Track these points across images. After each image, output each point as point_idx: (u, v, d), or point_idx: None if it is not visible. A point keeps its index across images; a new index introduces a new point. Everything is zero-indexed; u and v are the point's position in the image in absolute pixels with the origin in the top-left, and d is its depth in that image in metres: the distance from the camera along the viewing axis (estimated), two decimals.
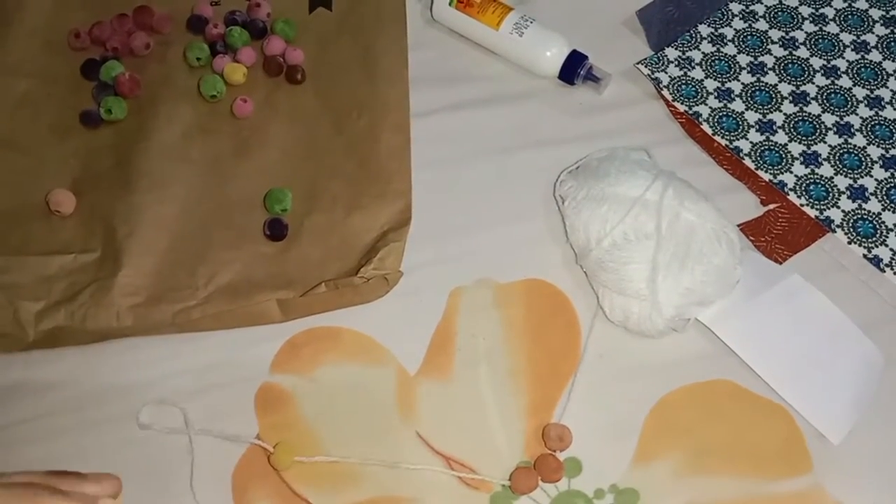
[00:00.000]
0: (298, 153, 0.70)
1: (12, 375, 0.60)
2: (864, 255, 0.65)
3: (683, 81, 0.74)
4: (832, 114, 0.72)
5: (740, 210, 0.67)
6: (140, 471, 0.57)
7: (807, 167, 0.70)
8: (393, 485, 0.57)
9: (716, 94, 0.74)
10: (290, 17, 0.77)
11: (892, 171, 0.69)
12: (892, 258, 0.65)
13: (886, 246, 0.66)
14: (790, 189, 0.69)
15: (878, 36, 0.77)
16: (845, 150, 0.71)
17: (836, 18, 0.78)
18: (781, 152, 0.70)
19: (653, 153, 0.69)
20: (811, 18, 0.78)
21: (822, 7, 0.79)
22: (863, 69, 0.75)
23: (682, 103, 0.73)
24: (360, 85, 0.73)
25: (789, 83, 0.74)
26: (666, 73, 0.75)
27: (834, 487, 0.56)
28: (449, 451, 0.58)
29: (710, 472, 0.57)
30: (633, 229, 0.60)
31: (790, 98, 0.73)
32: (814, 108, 0.73)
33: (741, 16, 0.79)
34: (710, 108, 0.73)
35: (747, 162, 0.70)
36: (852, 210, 0.67)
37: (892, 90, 0.74)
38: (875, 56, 0.76)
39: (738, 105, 0.73)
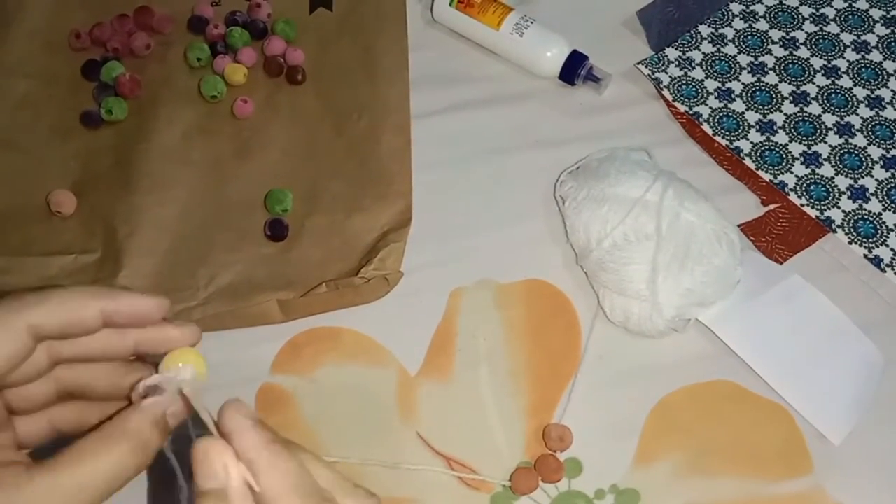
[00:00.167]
0: (299, 154, 0.70)
1: None
2: (865, 256, 0.65)
3: (684, 82, 0.74)
4: (833, 114, 0.72)
5: (741, 210, 0.67)
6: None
7: (807, 167, 0.70)
8: (393, 485, 0.57)
9: (716, 94, 0.74)
10: (290, 17, 0.77)
11: (892, 171, 0.69)
12: (892, 258, 0.65)
13: (887, 246, 0.66)
14: (791, 189, 0.69)
15: (878, 36, 0.77)
16: (846, 150, 0.71)
17: (837, 18, 0.78)
18: (782, 152, 0.70)
19: (653, 153, 0.69)
20: (812, 18, 0.78)
21: (823, 7, 0.79)
22: (863, 69, 0.75)
23: (682, 103, 0.73)
24: (361, 85, 0.73)
25: (790, 83, 0.74)
26: (666, 73, 0.75)
27: (834, 488, 0.56)
28: (449, 451, 0.58)
29: (711, 472, 0.57)
30: (633, 230, 0.60)
31: (791, 98, 0.73)
32: (814, 109, 0.73)
33: (741, 16, 0.79)
34: (711, 108, 0.73)
35: (748, 162, 0.70)
36: (853, 210, 0.67)
37: (892, 90, 0.74)
38: (876, 56, 0.76)
39: (738, 105, 0.73)
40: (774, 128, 0.72)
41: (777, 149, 0.71)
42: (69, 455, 0.35)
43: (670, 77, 0.75)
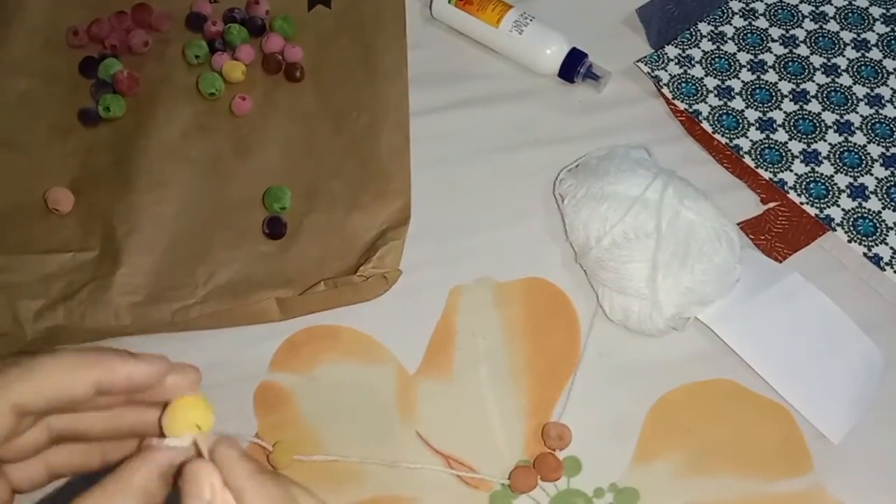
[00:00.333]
0: (297, 151, 0.70)
1: None
2: (865, 254, 0.65)
3: (683, 79, 0.74)
4: (832, 112, 0.72)
5: (740, 208, 0.67)
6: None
7: (807, 165, 0.70)
8: (392, 484, 0.57)
9: (716, 91, 0.74)
10: (289, 14, 0.77)
11: (892, 169, 0.69)
12: (892, 257, 0.65)
13: (887, 244, 0.66)
14: (790, 187, 0.68)
15: (878, 34, 0.77)
16: (845, 148, 0.70)
17: (837, 16, 0.78)
18: (781, 150, 0.70)
19: (653, 151, 0.69)
20: (811, 16, 0.78)
21: (823, 5, 0.79)
22: (863, 67, 0.75)
23: (681, 101, 0.73)
24: (360, 83, 0.73)
25: (789, 81, 0.74)
26: (666, 70, 0.75)
27: (834, 487, 0.56)
28: (448, 450, 0.58)
29: (710, 471, 0.57)
30: (632, 228, 0.60)
31: (790, 96, 0.73)
32: (814, 106, 0.73)
33: (741, 13, 0.78)
34: (710, 106, 0.73)
35: (747, 160, 0.70)
36: (852, 208, 0.67)
37: (892, 88, 0.74)
38: (875, 54, 0.76)
39: (738, 103, 0.73)
40: (774, 126, 0.72)
41: (777, 147, 0.71)
42: None
43: (670, 75, 0.74)
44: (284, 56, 0.74)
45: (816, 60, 0.75)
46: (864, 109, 0.72)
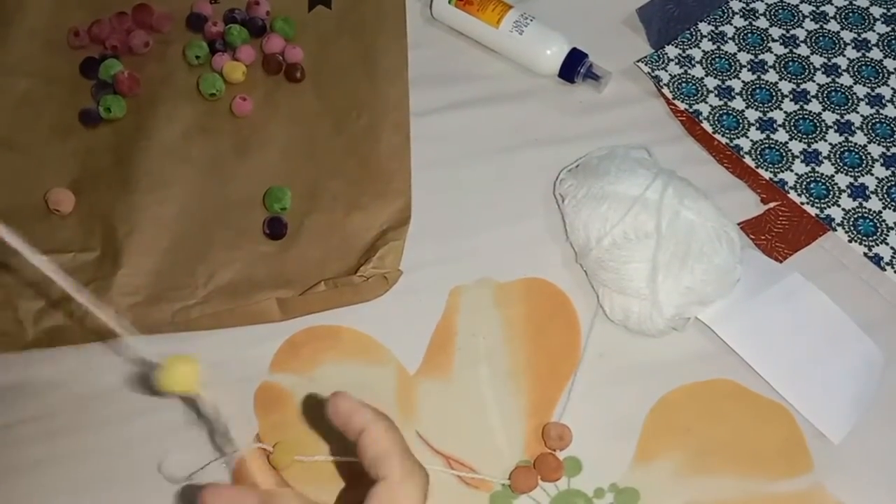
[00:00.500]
0: (298, 152, 0.70)
1: (11, 375, 0.60)
2: (865, 254, 0.65)
3: (683, 79, 0.74)
4: (833, 112, 0.72)
5: (740, 208, 0.67)
6: (141, 471, 0.57)
7: (807, 165, 0.69)
8: None
9: (716, 92, 0.73)
10: (289, 15, 0.77)
11: (892, 169, 0.69)
12: (892, 257, 0.65)
13: (887, 244, 0.66)
14: (791, 187, 0.68)
15: (878, 34, 0.77)
16: (846, 148, 0.70)
17: (837, 16, 0.78)
18: (782, 150, 0.70)
19: (653, 151, 0.69)
20: (812, 16, 0.78)
21: (823, 5, 0.79)
22: (863, 67, 0.75)
23: (682, 101, 0.73)
24: (360, 83, 0.73)
25: (790, 81, 0.74)
26: (666, 71, 0.75)
27: (834, 487, 0.56)
28: (449, 450, 0.58)
29: (711, 471, 0.57)
30: (633, 228, 0.60)
31: (791, 96, 0.73)
32: (814, 106, 0.73)
33: (742, 13, 0.78)
34: (711, 106, 0.73)
35: (747, 160, 0.70)
36: (853, 208, 0.67)
37: (892, 88, 0.74)
38: (876, 54, 0.76)
39: (738, 103, 0.73)
40: (774, 126, 0.72)
41: (777, 147, 0.71)
42: None
43: (670, 75, 0.74)
44: (285, 57, 0.74)
45: (817, 60, 0.75)
46: (864, 109, 0.72)
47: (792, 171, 0.69)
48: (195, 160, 0.69)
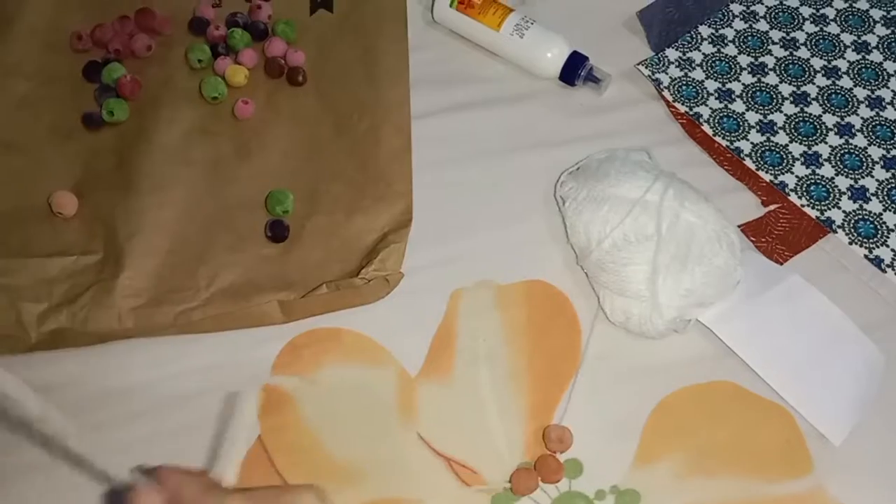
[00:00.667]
0: (299, 155, 0.70)
1: (14, 377, 0.60)
2: (866, 256, 0.65)
3: (684, 82, 0.74)
4: (833, 114, 0.72)
5: (741, 211, 0.67)
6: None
7: (808, 168, 0.70)
8: (394, 486, 0.57)
9: (716, 94, 0.74)
10: (291, 18, 0.77)
11: (893, 171, 0.69)
12: (893, 259, 0.65)
13: (887, 246, 0.66)
14: (791, 190, 0.69)
15: (878, 36, 0.77)
16: (846, 150, 0.71)
17: (837, 19, 0.78)
18: (782, 153, 0.70)
19: (653, 154, 0.69)
20: (812, 19, 0.78)
21: (823, 7, 0.79)
22: (864, 70, 0.75)
23: (682, 104, 0.73)
24: (361, 86, 0.73)
25: (790, 84, 0.74)
26: (666, 73, 0.75)
27: (835, 488, 0.56)
28: (450, 452, 0.58)
29: (711, 473, 0.57)
30: (633, 230, 0.60)
31: (791, 99, 0.73)
32: (814, 109, 0.73)
33: (742, 16, 0.79)
34: (711, 108, 0.73)
35: (748, 163, 0.70)
36: (853, 211, 0.67)
37: (892, 90, 0.74)
38: (876, 56, 0.76)
39: (738, 106, 0.73)
40: (775, 128, 0.72)
41: (777, 149, 0.71)
42: None
43: (670, 78, 0.75)
44: (287, 60, 0.75)
45: (817, 63, 0.75)
46: (864, 112, 0.73)
47: (792, 173, 0.69)
48: (197, 163, 0.70)
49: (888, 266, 0.65)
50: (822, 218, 0.67)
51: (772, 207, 0.68)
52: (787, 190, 0.68)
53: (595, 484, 0.57)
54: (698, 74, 0.75)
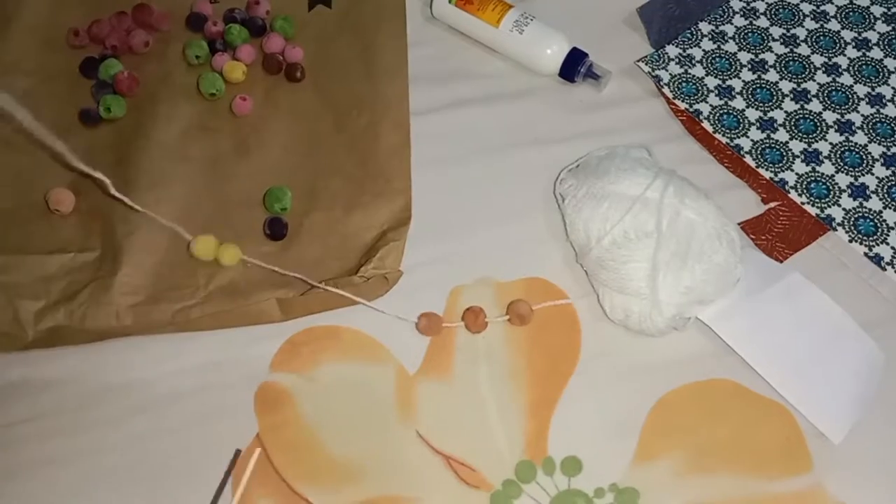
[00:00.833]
0: (298, 151, 0.70)
1: (12, 375, 0.60)
2: (866, 254, 0.65)
3: (684, 79, 0.74)
4: (833, 111, 0.72)
5: (741, 208, 0.67)
6: (140, 470, 0.57)
7: (808, 165, 0.69)
8: (393, 484, 0.57)
9: (716, 91, 0.73)
10: (289, 14, 0.77)
11: (893, 168, 0.69)
12: (893, 256, 0.65)
13: (888, 244, 0.66)
14: (791, 187, 0.68)
15: (879, 33, 0.77)
16: (846, 147, 0.70)
17: (838, 15, 0.78)
18: (782, 150, 0.70)
19: (653, 151, 0.69)
20: (812, 15, 0.78)
21: (824, 4, 0.79)
22: (864, 66, 0.75)
23: (682, 101, 0.73)
24: (360, 82, 0.73)
25: (790, 80, 0.74)
26: (666, 70, 0.75)
27: (834, 487, 0.56)
28: (449, 450, 0.58)
29: (711, 471, 0.57)
30: (633, 227, 0.60)
31: (791, 95, 0.73)
32: (815, 106, 0.73)
33: (742, 13, 0.78)
34: (711, 105, 0.73)
35: (748, 160, 0.70)
36: (853, 208, 0.67)
37: (893, 87, 0.74)
38: (876, 53, 0.76)
39: (738, 103, 0.73)
40: (775, 125, 0.72)
41: (777, 146, 0.70)
42: None
43: (670, 74, 0.74)
44: (285, 56, 0.74)
45: (817, 60, 0.75)
46: (865, 109, 0.72)
47: (792, 170, 0.69)
48: (195, 160, 0.69)
49: (888, 264, 0.65)
50: (822, 215, 0.67)
51: (772, 205, 0.68)
52: (787, 187, 0.68)
53: (594, 482, 0.57)
54: (698, 71, 0.75)
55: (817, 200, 0.68)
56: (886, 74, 0.74)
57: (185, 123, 0.71)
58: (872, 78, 0.74)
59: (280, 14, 0.76)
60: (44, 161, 0.69)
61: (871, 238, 0.66)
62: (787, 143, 0.71)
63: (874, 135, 0.71)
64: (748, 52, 0.76)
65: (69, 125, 0.71)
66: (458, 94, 0.74)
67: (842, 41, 0.76)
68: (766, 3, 0.79)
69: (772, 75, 0.74)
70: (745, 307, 0.61)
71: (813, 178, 0.69)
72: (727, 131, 0.71)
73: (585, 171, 0.66)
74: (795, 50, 0.76)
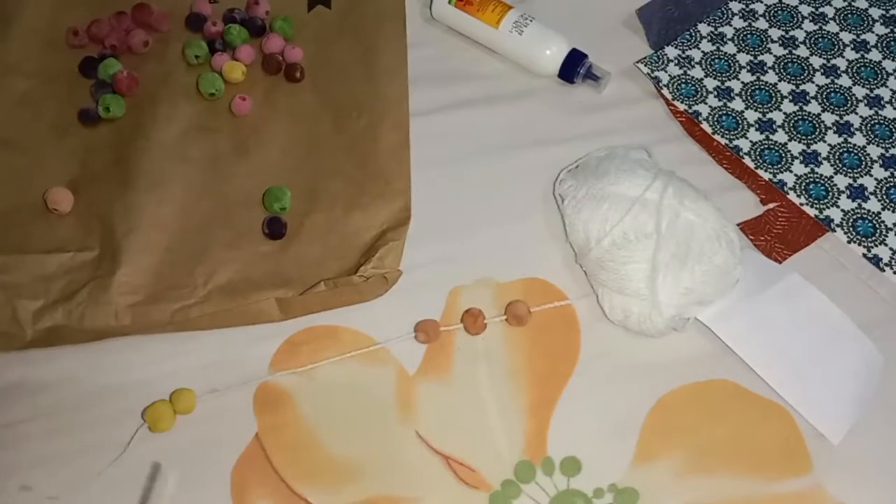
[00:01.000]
0: (297, 152, 0.70)
1: (10, 375, 0.60)
2: (864, 255, 0.65)
3: (683, 80, 0.74)
4: (832, 113, 0.72)
5: (740, 209, 0.67)
6: (139, 471, 0.57)
7: (806, 166, 0.70)
8: (392, 484, 0.57)
9: (715, 92, 0.74)
10: (288, 14, 0.77)
11: (891, 170, 0.69)
12: (891, 257, 0.65)
13: (886, 245, 0.66)
14: (790, 188, 0.68)
15: (877, 35, 0.77)
16: (845, 149, 0.71)
17: (836, 17, 0.78)
18: (781, 151, 0.70)
19: (652, 152, 0.69)
20: (811, 17, 0.78)
21: (822, 6, 0.79)
22: (862, 68, 0.75)
23: (681, 102, 0.73)
24: (360, 83, 0.73)
25: (789, 82, 0.74)
26: (665, 71, 0.75)
27: (833, 487, 0.56)
28: (448, 450, 0.58)
29: (710, 471, 0.57)
30: (632, 228, 0.60)
31: (790, 97, 0.73)
32: (813, 107, 0.73)
33: (741, 14, 0.78)
34: (710, 106, 0.73)
35: (747, 161, 0.70)
36: (852, 209, 0.67)
37: (891, 89, 0.74)
38: (875, 55, 0.76)
39: (737, 104, 0.73)
40: (774, 127, 0.72)
41: (776, 148, 0.71)
42: None
43: (670, 76, 0.74)
44: (284, 56, 0.74)
45: (816, 61, 0.75)
46: (863, 110, 0.72)
47: (791, 171, 0.69)
48: (194, 160, 0.69)
49: (886, 265, 0.65)
50: (821, 216, 0.67)
51: (771, 206, 0.68)
52: (785, 188, 0.68)
53: (593, 482, 0.57)
54: (697, 72, 0.75)
55: (816, 202, 0.68)
56: (885, 76, 0.74)
57: (184, 123, 0.71)
58: (871, 80, 0.74)
59: (280, 14, 0.76)
60: (43, 160, 0.69)
61: (869, 239, 0.66)
62: (785, 144, 0.71)
63: (873, 136, 0.71)
64: (747, 53, 0.76)
65: (69, 125, 0.71)
66: (458, 94, 0.74)
67: (840, 43, 0.76)
68: (765, 4, 0.79)
69: (771, 77, 0.75)
70: (744, 308, 0.61)
71: (812, 180, 0.69)
72: (726, 132, 0.71)
73: (585, 171, 0.66)
74: (794, 52, 0.76)
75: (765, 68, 0.75)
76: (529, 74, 0.75)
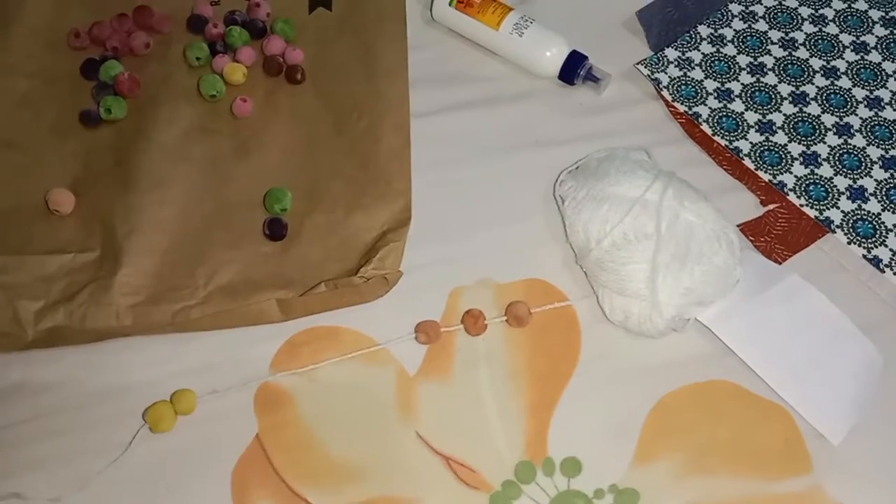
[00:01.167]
0: (298, 153, 0.70)
1: (11, 375, 0.60)
2: (864, 256, 0.65)
3: (683, 82, 0.74)
4: (832, 114, 0.73)
5: (740, 210, 0.67)
6: (139, 471, 0.57)
7: (806, 167, 0.70)
8: (393, 485, 0.57)
9: (715, 94, 0.74)
10: (289, 16, 0.77)
11: (891, 171, 0.70)
12: (891, 258, 0.65)
13: (886, 246, 0.66)
14: (790, 189, 0.69)
15: (877, 37, 0.77)
16: (845, 150, 0.71)
17: (836, 19, 0.78)
18: (781, 153, 0.71)
19: (652, 153, 0.69)
20: (811, 19, 0.78)
21: (822, 8, 0.79)
22: (862, 70, 0.75)
23: (681, 104, 0.73)
24: (360, 85, 0.73)
25: (789, 84, 0.74)
26: (666, 73, 0.75)
27: (833, 488, 0.56)
28: (449, 451, 0.58)
29: (710, 472, 0.57)
30: (632, 229, 0.60)
31: (790, 98, 0.73)
32: (813, 109, 0.73)
33: (741, 16, 0.79)
34: (710, 108, 0.73)
35: (747, 162, 0.70)
36: (852, 210, 0.67)
37: (891, 91, 0.74)
38: (874, 57, 0.76)
39: (737, 105, 0.73)
40: (774, 128, 0.72)
41: (776, 149, 0.71)
42: None
43: (670, 77, 0.75)
44: (285, 58, 0.75)
45: (816, 63, 0.76)
46: (863, 112, 0.73)
47: (791, 173, 0.69)
48: (195, 161, 0.69)
49: (887, 266, 0.65)
50: (821, 218, 0.67)
51: (771, 207, 0.68)
52: (785, 189, 0.69)
53: (594, 483, 0.57)
54: (697, 74, 0.75)
55: (816, 203, 0.68)
56: (884, 77, 0.75)
57: (185, 125, 0.71)
58: (871, 81, 0.74)
59: (281, 16, 0.77)
60: (44, 161, 0.69)
61: (869, 240, 0.66)
62: (785, 145, 0.71)
63: (872, 137, 0.71)
64: (747, 55, 0.76)
65: (70, 126, 0.71)
66: (458, 96, 0.74)
67: (840, 44, 0.77)
68: (765, 6, 0.79)
69: (770, 78, 0.75)
70: (744, 309, 0.62)
71: (812, 181, 0.69)
72: (726, 134, 0.71)
73: (585, 173, 0.66)
74: (794, 53, 0.76)
75: (765, 70, 0.75)
76: (530, 76, 0.75)
